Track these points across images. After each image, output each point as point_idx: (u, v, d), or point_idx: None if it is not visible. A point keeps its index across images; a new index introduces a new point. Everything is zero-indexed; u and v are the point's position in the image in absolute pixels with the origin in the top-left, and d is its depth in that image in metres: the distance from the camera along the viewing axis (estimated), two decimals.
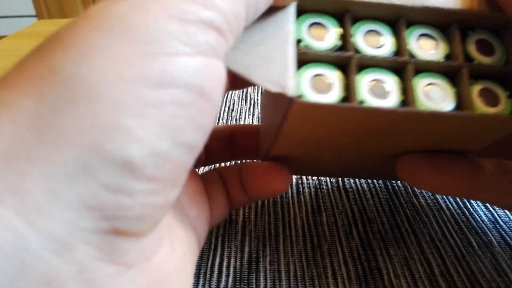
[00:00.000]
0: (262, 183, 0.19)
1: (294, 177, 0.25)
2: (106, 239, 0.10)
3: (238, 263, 0.19)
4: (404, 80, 0.14)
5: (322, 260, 0.19)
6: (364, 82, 0.13)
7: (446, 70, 0.14)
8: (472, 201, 0.23)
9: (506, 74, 0.14)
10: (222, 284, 0.18)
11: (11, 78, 0.10)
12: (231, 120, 0.32)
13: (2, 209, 0.09)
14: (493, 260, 0.19)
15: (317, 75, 0.13)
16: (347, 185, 0.24)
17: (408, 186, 0.24)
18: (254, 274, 0.19)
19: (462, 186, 0.16)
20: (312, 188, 0.24)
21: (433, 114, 0.13)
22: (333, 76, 0.13)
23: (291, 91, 0.12)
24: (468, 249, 0.19)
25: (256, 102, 0.35)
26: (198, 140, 0.11)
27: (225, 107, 0.34)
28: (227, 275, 0.19)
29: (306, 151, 0.18)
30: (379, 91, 0.13)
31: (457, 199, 0.23)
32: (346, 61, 0.13)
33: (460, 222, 0.21)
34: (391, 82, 0.14)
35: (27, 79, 0.10)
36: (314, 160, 0.19)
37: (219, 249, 0.20)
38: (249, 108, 0.34)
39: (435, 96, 0.14)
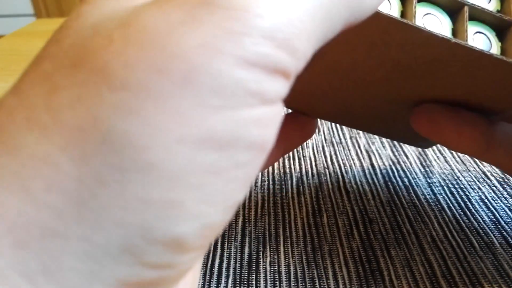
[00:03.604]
0: (295, 129, 0.19)
1: (294, 177, 0.25)
2: None
3: (238, 264, 0.19)
4: (457, 21, 0.14)
5: (323, 261, 0.19)
6: (419, 13, 0.14)
7: (496, 23, 0.14)
8: (473, 202, 0.23)
9: None
10: (222, 285, 0.18)
11: (40, 112, 0.08)
12: None
13: None
14: (495, 261, 0.19)
15: None
16: (348, 186, 0.24)
17: (409, 186, 0.24)
18: (254, 275, 0.18)
19: (477, 143, 0.16)
20: (312, 188, 0.24)
21: (482, 54, 0.13)
22: (393, 0, 0.14)
23: None
24: (470, 250, 0.19)
25: None
26: (246, 194, 0.10)
27: None
28: (227, 276, 0.18)
29: (330, 84, 0.17)
30: (432, 24, 0.14)
31: (458, 199, 0.23)
32: None
33: (462, 222, 0.21)
34: (443, 20, 0.14)
35: (63, 128, 0.08)
36: (332, 100, 0.18)
37: (218, 250, 0.20)
38: None
39: (480, 45, 0.14)
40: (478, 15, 0.14)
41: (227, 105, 0.08)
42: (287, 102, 0.20)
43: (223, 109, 0.08)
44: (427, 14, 0.14)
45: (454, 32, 0.14)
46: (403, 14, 0.14)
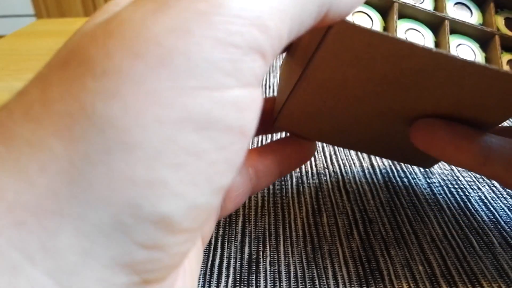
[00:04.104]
0: (292, 152, 0.19)
1: (294, 177, 0.25)
2: None
3: (238, 264, 0.19)
4: (439, 35, 0.14)
5: (323, 261, 0.19)
6: (401, 28, 0.14)
7: (478, 35, 0.14)
8: (473, 202, 0.23)
9: None
10: (222, 285, 0.18)
11: (35, 107, 0.09)
12: None
13: (34, 270, 0.08)
14: (494, 261, 0.19)
15: (358, 11, 0.14)
16: (347, 186, 0.24)
17: (409, 186, 0.24)
18: (254, 275, 0.19)
19: (474, 158, 0.16)
20: (312, 188, 0.24)
21: (465, 63, 0.13)
22: (375, 16, 0.14)
23: None
24: (469, 250, 0.19)
25: None
26: (232, 179, 0.10)
27: None
28: (227, 276, 0.18)
29: (325, 103, 0.17)
30: (415, 37, 0.14)
31: (458, 199, 0.23)
32: (388, 5, 0.14)
33: (461, 222, 0.21)
34: (426, 34, 0.14)
35: (55, 115, 0.08)
36: (328, 119, 0.19)
37: (218, 250, 0.20)
38: None
39: (464, 55, 0.14)
40: (460, 29, 0.14)
41: (204, 86, 0.09)
42: (284, 125, 0.20)
43: (200, 90, 0.09)
44: (410, 29, 0.14)
45: (437, 45, 0.14)
46: (385, 29, 0.14)
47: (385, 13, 0.14)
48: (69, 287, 0.08)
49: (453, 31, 0.14)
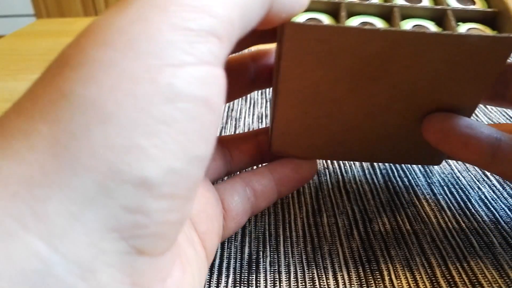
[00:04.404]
0: (291, 172, 0.20)
1: None
2: (127, 260, 0.10)
3: (238, 264, 0.19)
4: (392, 22, 0.15)
5: (323, 261, 0.19)
6: (355, 23, 0.15)
7: (432, 15, 0.15)
8: (473, 202, 0.23)
9: (492, 15, 0.15)
10: (222, 285, 0.18)
11: (25, 105, 0.10)
12: (231, 120, 0.32)
13: (27, 234, 0.09)
14: (495, 261, 0.19)
15: (310, 18, 0.15)
16: (347, 186, 0.24)
17: (409, 186, 0.24)
18: (254, 275, 0.18)
19: (482, 155, 0.16)
20: (312, 188, 0.24)
21: (417, 35, 0.14)
22: (326, 19, 0.15)
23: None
24: (470, 250, 0.19)
25: (256, 102, 0.35)
26: (207, 152, 0.11)
27: (225, 106, 0.34)
28: (227, 276, 0.18)
29: (307, 114, 0.17)
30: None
31: (458, 199, 0.23)
32: (336, 7, 0.15)
33: (462, 222, 0.21)
34: (379, 25, 0.15)
35: (40, 105, 0.10)
36: (319, 132, 0.19)
37: (218, 250, 0.20)
38: (249, 108, 0.34)
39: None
40: (413, 13, 0.15)
41: (166, 63, 0.10)
42: (280, 149, 0.20)
43: (164, 66, 0.10)
44: (362, 22, 0.15)
45: None
46: None
47: (336, 15, 0.15)
48: (60, 250, 0.09)
49: (405, 17, 0.15)
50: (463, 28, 0.15)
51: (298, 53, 0.15)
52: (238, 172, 0.22)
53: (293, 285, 0.18)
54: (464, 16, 0.15)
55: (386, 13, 0.15)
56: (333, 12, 0.15)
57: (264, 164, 0.21)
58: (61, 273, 0.09)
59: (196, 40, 0.10)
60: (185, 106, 0.10)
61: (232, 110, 0.34)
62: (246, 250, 0.20)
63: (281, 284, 0.18)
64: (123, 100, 0.10)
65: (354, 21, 0.15)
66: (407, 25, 0.15)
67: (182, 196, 0.11)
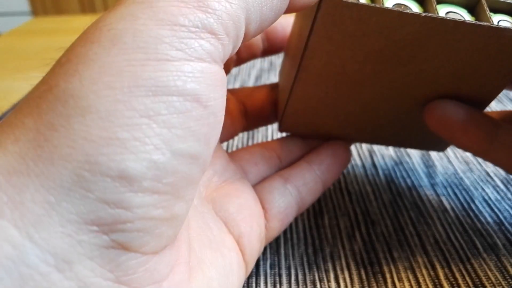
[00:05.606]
0: (331, 158, 0.19)
1: None
2: (109, 254, 0.10)
3: None
4: (426, 6, 0.14)
5: (324, 264, 0.19)
6: (389, 3, 0.14)
7: (466, 2, 0.15)
8: (477, 203, 0.22)
9: None
10: None
11: (21, 103, 0.10)
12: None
13: (3, 222, 0.09)
14: (498, 263, 0.18)
15: None
16: (349, 187, 0.24)
17: (412, 187, 0.24)
18: (254, 277, 0.18)
19: (480, 143, 0.17)
20: None
21: (455, 23, 0.13)
22: None
23: None
24: (473, 252, 0.19)
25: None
26: (200, 150, 0.11)
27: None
28: None
29: (327, 94, 0.17)
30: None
31: (461, 200, 0.23)
32: None
33: (465, 224, 0.21)
34: (413, 7, 0.14)
35: (30, 100, 0.10)
36: (333, 112, 0.18)
37: None
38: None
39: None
40: None
41: (151, 58, 0.10)
42: (290, 126, 0.19)
43: (147, 60, 0.10)
44: (396, 4, 0.14)
45: None
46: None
47: None
48: (35, 238, 0.09)
49: (440, 1, 0.15)
50: (494, 19, 0.14)
51: (330, 30, 0.14)
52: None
53: None
54: (494, 7, 0.15)
55: None
56: None
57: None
58: (35, 261, 0.09)
59: (187, 36, 0.10)
60: (170, 100, 0.10)
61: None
62: None
63: (282, 287, 0.18)
64: (102, 92, 0.10)
65: (388, 2, 0.14)
66: (441, 11, 0.14)
67: (168, 192, 0.10)
